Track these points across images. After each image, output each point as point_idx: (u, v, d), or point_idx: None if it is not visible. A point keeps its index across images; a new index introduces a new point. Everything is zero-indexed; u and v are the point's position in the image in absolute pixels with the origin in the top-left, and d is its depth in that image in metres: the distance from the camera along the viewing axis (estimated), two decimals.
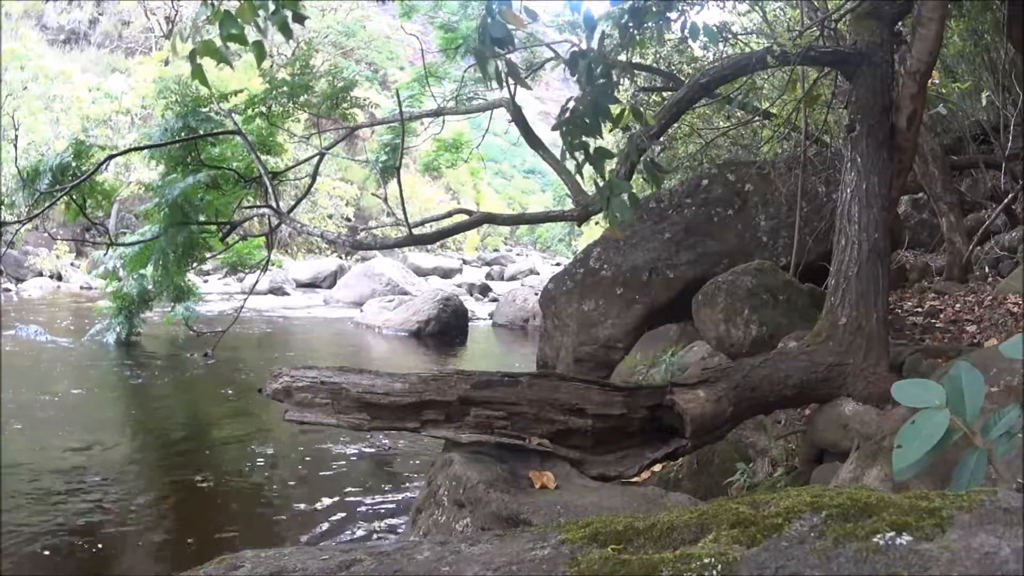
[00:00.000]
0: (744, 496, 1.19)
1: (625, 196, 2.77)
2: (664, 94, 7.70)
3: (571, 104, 2.86)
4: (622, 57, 3.59)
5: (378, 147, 8.42)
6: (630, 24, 3.24)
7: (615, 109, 2.96)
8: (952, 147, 7.82)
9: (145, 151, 7.12)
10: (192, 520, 4.13)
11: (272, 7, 2.91)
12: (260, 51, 3.00)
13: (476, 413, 2.93)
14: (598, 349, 6.06)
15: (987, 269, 6.52)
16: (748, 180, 6.28)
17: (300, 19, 3.06)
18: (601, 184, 2.89)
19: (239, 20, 2.81)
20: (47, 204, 6.18)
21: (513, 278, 21.87)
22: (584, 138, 2.83)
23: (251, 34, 3.04)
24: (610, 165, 3.10)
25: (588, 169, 2.89)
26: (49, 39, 25.36)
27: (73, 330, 9.96)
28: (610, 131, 3.47)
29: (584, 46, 3.05)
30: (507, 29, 2.68)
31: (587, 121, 2.80)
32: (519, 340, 11.48)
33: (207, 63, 2.97)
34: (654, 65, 8.27)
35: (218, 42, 2.87)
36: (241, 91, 7.39)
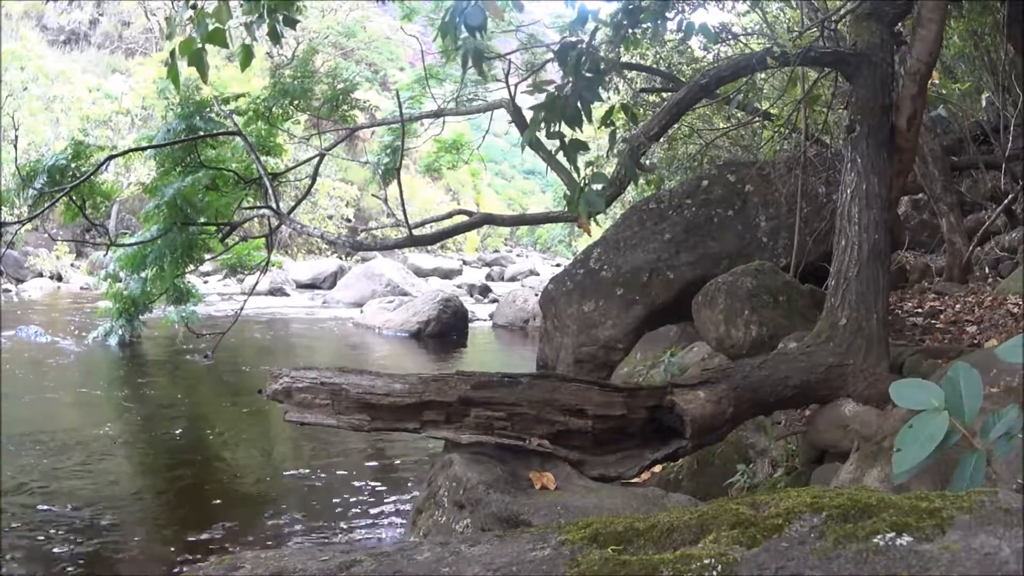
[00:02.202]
0: (744, 497, 1.19)
1: (598, 188, 2.79)
2: (664, 95, 7.70)
3: (551, 88, 2.87)
4: (616, 55, 3.60)
5: (379, 148, 8.43)
6: (625, 22, 3.25)
7: (603, 107, 2.99)
8: (952, 148, 7.82)
9: (146, 151, 7.13)
10: (192, 520, 4.13)
11: (261, 10, 2.92)
12: (247, 55, 3.00)
13: (476, 414, 2.92)
14: (598, 350, 6.05)
15: (987, 270, 6.52)
16: (748, 181, 6.27)
17: (291, 23, 3.06)
18: (572, 175, 2.92)
19: (217, 22, 2.81)
20: (47, 205, 6.18)
21: (513, 279, 21.87)
22: (563, 128, 2.85)
23: (242, 38, 3.04)
24: (584, 159, 3.11)
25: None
26: (49, 40, 25.36)
27: (73, 331, 9.96)
28: (599, 127, 3.48)
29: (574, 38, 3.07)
30: (482, 15, 2.69)
31: (567, 111, 2.81)
32: (519, 341, 11.48)
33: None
34: (653, 66, 8.27)
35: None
36: (242, 95, 7.39)
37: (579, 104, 2.81)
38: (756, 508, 1.08)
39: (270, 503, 4.45)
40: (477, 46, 3.00)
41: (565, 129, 2.91)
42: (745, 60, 4.07)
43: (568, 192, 4.19)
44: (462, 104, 8.04)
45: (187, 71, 3.24)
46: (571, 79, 2.83)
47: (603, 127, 3.44)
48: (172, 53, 2.98)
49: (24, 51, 20.79)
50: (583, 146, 2.92)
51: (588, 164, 3.01)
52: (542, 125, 2.89)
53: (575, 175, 2.95)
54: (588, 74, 2.82)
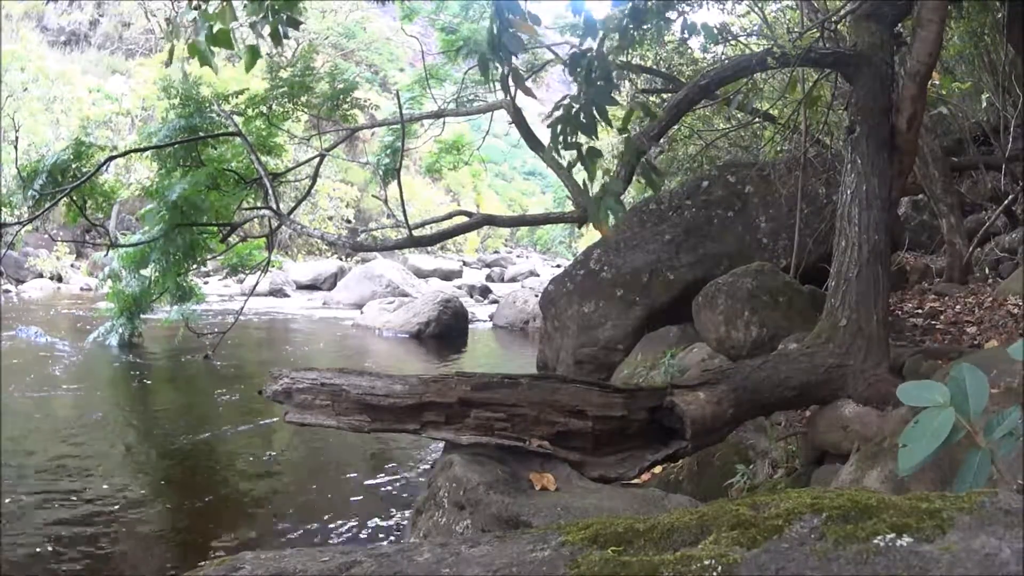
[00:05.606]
0: (744, 498, 1.19)
1: (615, 193, 2.80)
2: (664, 95, 7.70)
3: (566, 102, 2.88)
4: (622, 59, 3.62)
5: (379, 149, 8.43)
6: (630, 25, 3.26)
7: (617, 111, 3.01)
8: (952, 148, 7.82)
9: (147, 151, 7.13)
10: (192, 521, 4.13)
11: (264, 11, 2.92)
12: (252, 56, 3.00)
13: (476, 415, 2.92)
14: (598, 351, 6.05)
15: (987, 270, 6.52)
16: (748, 182, 6.27)
17: (294, 24, 3.06)
18: (589, 183, 2.94)
19: (221, 24, 2.82)
20: (48, 205, 6.18)
21: (513, 280, 21.89)
22: (578, 137, 2.86)
23: (244, 39, 3.04)
24: (601, 166, 3.13)
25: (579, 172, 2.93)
26: (49, 40, 25.38)
27: (74, 332, 9.95)
28: (617, 131, 3.48)
29: (584, 47, 3.08)
30: (520, 40, 2.70)
31: (583, 120, 2.82)
32: (519, 342, 11.48)
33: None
34: (654, 67, 8.28)
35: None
36: (243, 91, 7.37)
37: (594, 111, 2.83)
38: (756, 509, 1.08)
39: (270, 503, 4.45)
40: (516, 70, 3.00)
41: (581, 138, 2.93)
42: (745, 61, 4.07)
43: (577, 202, 4.21)
44: (462, 105, 8.04)
45: (191, 68, 3.24)
46: (584, 88, 2.84)
47: (619, 132, 3.45)
48: (171, 52, 2.98)
49: (24, 52, 20.81)
50: (598, 154, 2.94)
51: (605, 172, 3.03)
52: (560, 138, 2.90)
53: (592, 183, 2.97)
54: (600, 82, 2.83)
